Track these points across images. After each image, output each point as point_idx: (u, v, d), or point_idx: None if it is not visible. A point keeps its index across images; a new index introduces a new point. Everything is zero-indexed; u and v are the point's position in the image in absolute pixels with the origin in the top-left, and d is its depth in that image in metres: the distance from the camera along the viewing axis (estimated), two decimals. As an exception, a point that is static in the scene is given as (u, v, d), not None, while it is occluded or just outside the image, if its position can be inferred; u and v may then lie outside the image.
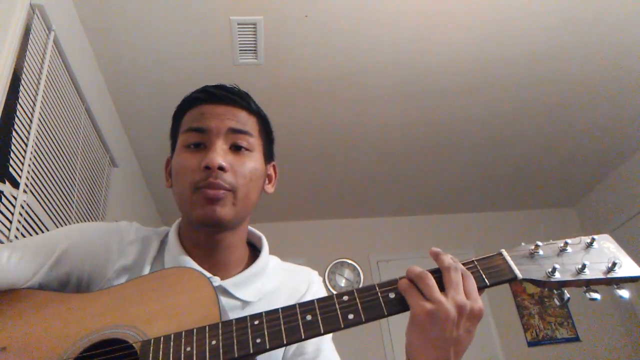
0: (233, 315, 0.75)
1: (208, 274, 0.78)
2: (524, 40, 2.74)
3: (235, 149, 0.82)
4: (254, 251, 0.93)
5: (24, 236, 1.66)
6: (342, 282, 4.32)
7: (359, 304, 0.66)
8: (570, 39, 2.77)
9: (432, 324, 0.62)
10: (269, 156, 0.91)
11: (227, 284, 0.82)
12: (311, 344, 0.85)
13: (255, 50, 2.61)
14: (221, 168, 0.78)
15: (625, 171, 4.17)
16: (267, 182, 0.91)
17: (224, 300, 0.79)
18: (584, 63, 2.97)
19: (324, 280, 4.25)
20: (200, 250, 0.84)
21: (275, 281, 0.89)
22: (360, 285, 4.13)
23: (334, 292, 0.67)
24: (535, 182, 4.40)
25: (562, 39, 2.77)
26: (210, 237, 0.83)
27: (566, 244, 0.70)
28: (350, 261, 4.40)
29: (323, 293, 0.93)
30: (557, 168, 4.17)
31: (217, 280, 0.81)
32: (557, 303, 0.66)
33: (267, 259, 0.91)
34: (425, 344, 0.64)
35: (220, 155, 0.79)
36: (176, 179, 0.83)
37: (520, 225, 4.71)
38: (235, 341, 0.64)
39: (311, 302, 0.67)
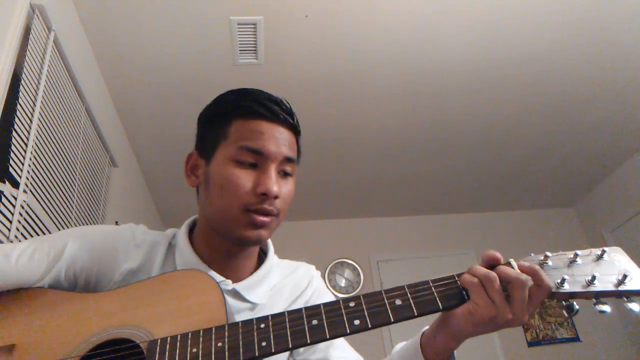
0: (242, 317, 0.77)
1: (220, 278, 0.81)
2: (524, 40, 2.74)
3: (283, 174, 0.85)
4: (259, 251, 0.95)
5: (24, 236, 1.65)
6: (342, 282, 4.32)
7: (365, 310, 0.66)
8: (571, 39, 2.77)
9: (488, 325, 0.66)
10: None
11: (240, 287, 0.84)
12: None
13: (255, 50, 2.60)
14: (275, 197, 0.80)
15: (625, 171, 4.18)
16: None
17: (234, 302, 0.81)
18: (584, 63, 2.97)
19: (324, 280, 4.25)
20: (217, 256, 0.85)
21: (277, 279, 0.92)
22: (360, 286, 4.16)
23: (334, 292, 0.67)
24: (535, 182, 4.40)
25: (562, 39, 2.76)
26: (236, 247, 0.85)
27: (576, 255, 0.69)
28: (350, 261, 4.40)
29: (323, 287, 0.97)
30: (557, 168, 4.17)
31: (229, 284, 0.83)
32: (566, 315, 0.65)
33: (272, 259, 0.93)
34: (467, 334, 0.70)
35: (276, 184, 0.80)
36: (221, 192, 0.81)
37: (520, 225, 4.72)
38: (240, 343, 0.65)
39: (317, 306, 0.68)
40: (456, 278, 0.69)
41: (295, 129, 0.89)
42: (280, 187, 0.81)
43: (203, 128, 0.89)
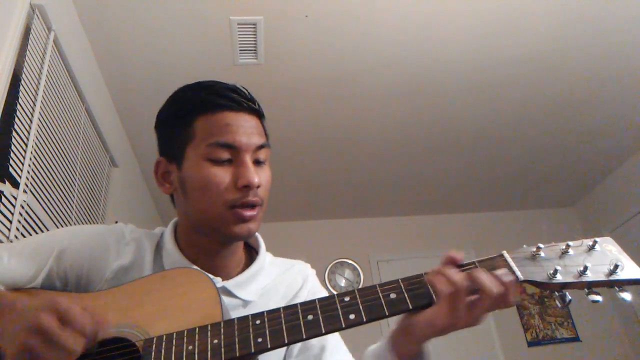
0: (235, 314, 0.76)
1: (210, 276, 0.79)
2: (524, 40, 2.74)
3: (257, 163, 0.83)
4: (249, 250, 0.95)
5: (24, 236, 1.65)
6: (342, 282, 4.32)
7: (360, 304, 0.66)
8: (571, 39, 2.77)
9: (446, 331, 0.65)
10: None
11: (230, 284, 0.83)
12: (316, 339, 0.85)
13: (255, 50, 2.61)
14: (258, 186, 0.79)
15: (625, 171, 4.17)
16: None
17: (226, 300, 0.80)
18: (584, 63, 2.97)
19: (324, 280, 4.26)
20: (202, 255, 0.85)
21: (271, 277, 0.91)
22: (360, 285, 4.15)
23: (334, 292, 0.67)
24: (535, 182, 4.40)
25: (562, 40, 2.77)
26: (222, 245, 0.84)
27: (568, 246, 0.70)
28: (350, 261, 4.41)
29: (319, 286, 0.95)
30: (557, 168, 4.17)
31: (219, 281, 0.82)
32: (559, 305, 0.66)
33: (264, 257, 0.92)
34: (427, 338, 0.68)
35: (255, 173, 0.79)
36: (201, 193, 0.79)
37: (520, 225, 4.72)
38: (236, 340, 0.65)
39: (312, 301, 0.68)
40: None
41: (259, 113, 0.86)
42: (259, 176, 0.80)
43: (165, 131, 0.86)
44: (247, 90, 0.87)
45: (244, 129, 0.81)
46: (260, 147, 0.82)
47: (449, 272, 0.66)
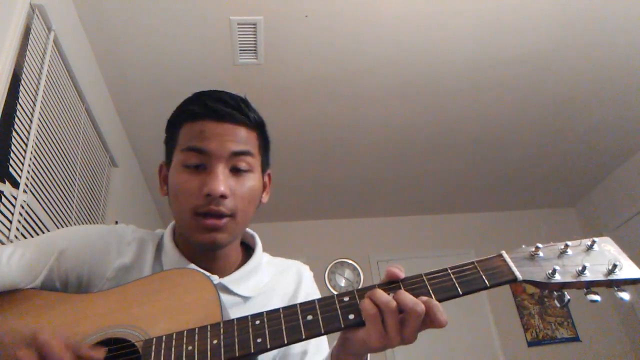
0: (235, 311, 0.77)
1: (206, 273, 0.79)
2: (524, 40, 2.74)
3: (236, 171, 0.81)
4: (247, 249, 0.95)
5: (24, 236, 1.66)
6: (342, 282, 4.32)
7: (359, 304, 0.66)
8: (571, 40, 2.77)
9: (381, 349, 0.65)
10: (265, 165, 0.90)
11: (226, 281, 0.84)
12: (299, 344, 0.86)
13: (255, 50, 2.61)
14: (223, 196, 0.77)
15: (625, 171, 4.18)
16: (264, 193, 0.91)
17: (224, 297, 0.80)
18: (584, 63, 2.97)
19: (324, 280, 4.26)
20: (198, 254, 0.85)
21: (269, 276, 0.91)
22: (360, 285, 4.16)
23: (334, 292, 0.67)
24: (535, 182, 4.40)
25: (562, 40, 2.77)
26: (208, 251, 0.85)
27: (567, 246, 0.70)
28: (350, 261, 4.41)
29: (314, 288, 0.96)
30: (557, 168, 4.17)
31: (216, 278, 0.83)
32: (558, 305, 0.66)
33: (261, 256, 0.93)
34: (364, 354, 0.69)
35: (222, 182, 0.78)
36: (175, 198, 0.82)
37: (520, 225, 4.72)
38: (236, 340, 0.65)
39: (312, 302, 0.68)
40: (449, 269, 0.69)
41: (246, 123, 0.84)
42: (229, 185, 0.79)
43: (165, 137, 0.90)
44: (237, 96, 0.86)
45: (220, 136, 0.81)
46: (238, 154, 0.81)
47: (374, 293, 0.65)
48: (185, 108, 0.85)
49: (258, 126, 0.87)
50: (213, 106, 0.82)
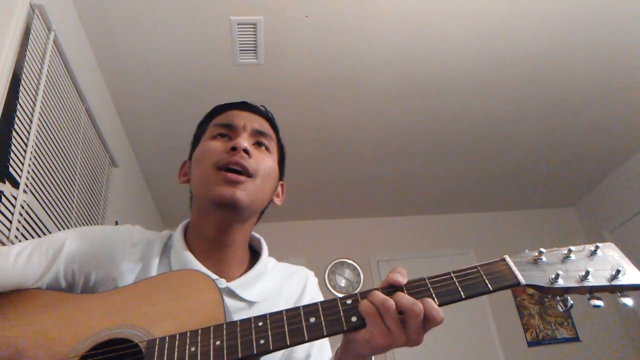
0: (239, 315, 0.77)
1: (214, 276, 0.80)
2: (524, 40, 2.74)
3: (258, 145, 0.89)
4: (253, 253, 0.96)
5: (24, 236, 1.65)
6: (342, 282, 4.32)
7: (359, 306, 0.66)
8: (570, 39, 2.77)
9: (385, 349, 0.65)
10: (280, 172, 0.96)
11: (234, 285, 0.85)
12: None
13: (255, 50, 2.61)
14: (246, 151, 0.83)
15: (625, 171, 4.18)
16: (276, 195, 0.96)
17: (230, 301, 0.81)
18: (584, 63, 2.97)
19: (324, 280, 4.25)
20: (206, 248, 0.87)
21: (275, 281, 0.92)
22: (360, 286, 4.16)
23: (334, 292, 0.67)
24: (535, 182, 4.40)
25: (562, 39, 2.77)
26: (220, 231, 0.86)
27: (570, 251, 0.69)
28: (350, 261, 4.40)
29: (318, 294, 0.97)
30: (557, 168, 4.18)
31: (223, 283, 0.83)
32: (560, 309, 0.66)
33: (267, 260, 0.94)
34: (367, 356, 0.68)
35: (246, 140, 0.86)
36: (198, 164, 0.87)
37: (520, 225, 4.72)
38: (239, 342, 0.65)
39: (315, 304, 0.68)
40: (452, 273, 0.68)
41: (268, 118, 0.96)
42: (252, 148, 0.86)
43: (192, 139, 0.98)
44: (265, 107, 0.98)
45: (244, 117, 0.91)
46: (260, 132, 0.90)
47: (373, 294, 0.66)
48: (212, 109, 0.97)
49: (276, 130, 0.98)
50: (238, 102, 0.95)
